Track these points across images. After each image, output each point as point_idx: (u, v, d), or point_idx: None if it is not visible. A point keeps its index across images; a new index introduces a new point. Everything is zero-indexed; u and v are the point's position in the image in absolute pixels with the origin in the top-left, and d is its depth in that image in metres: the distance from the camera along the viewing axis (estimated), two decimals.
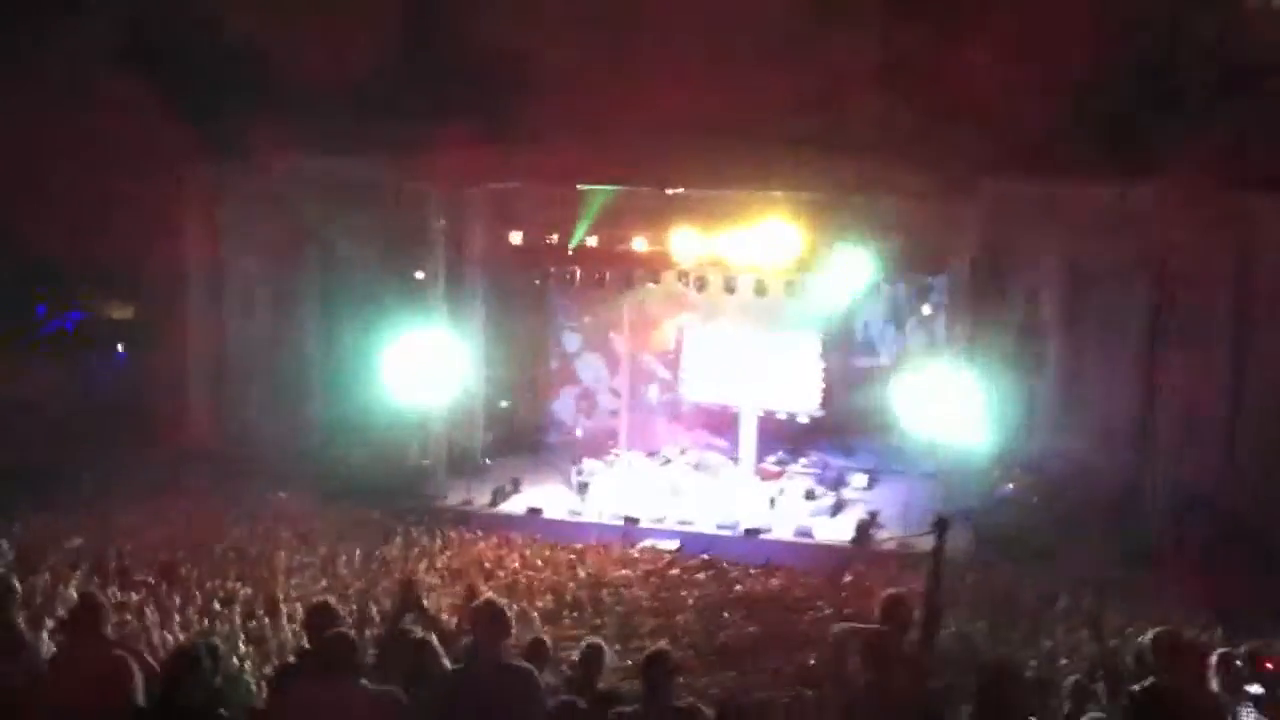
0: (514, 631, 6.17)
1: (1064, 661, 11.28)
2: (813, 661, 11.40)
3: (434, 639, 6.14)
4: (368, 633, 10.09)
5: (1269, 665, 5.80)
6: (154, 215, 20.29)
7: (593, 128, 17.61)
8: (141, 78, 19.27)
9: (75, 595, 12.65)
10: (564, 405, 23.60)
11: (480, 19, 18.38)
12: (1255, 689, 5.63)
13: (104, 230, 20.50)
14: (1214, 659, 5.64)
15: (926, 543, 6.56)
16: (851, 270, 18.83)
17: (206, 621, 12.00)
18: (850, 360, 21.25)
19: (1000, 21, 15.95)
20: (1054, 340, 18.46)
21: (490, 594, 13.48)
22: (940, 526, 6.03)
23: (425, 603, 6.70)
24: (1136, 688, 5.67)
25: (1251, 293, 17.59)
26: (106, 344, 22.40)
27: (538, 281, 21.28)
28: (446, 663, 6.00)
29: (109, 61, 19.55)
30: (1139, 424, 18.04)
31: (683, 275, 20.15)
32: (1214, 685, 5.53)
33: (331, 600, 6.96)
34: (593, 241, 20.04)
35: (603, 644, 7.78)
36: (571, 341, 23.52)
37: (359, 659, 5.82)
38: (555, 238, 20.08)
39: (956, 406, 17.98)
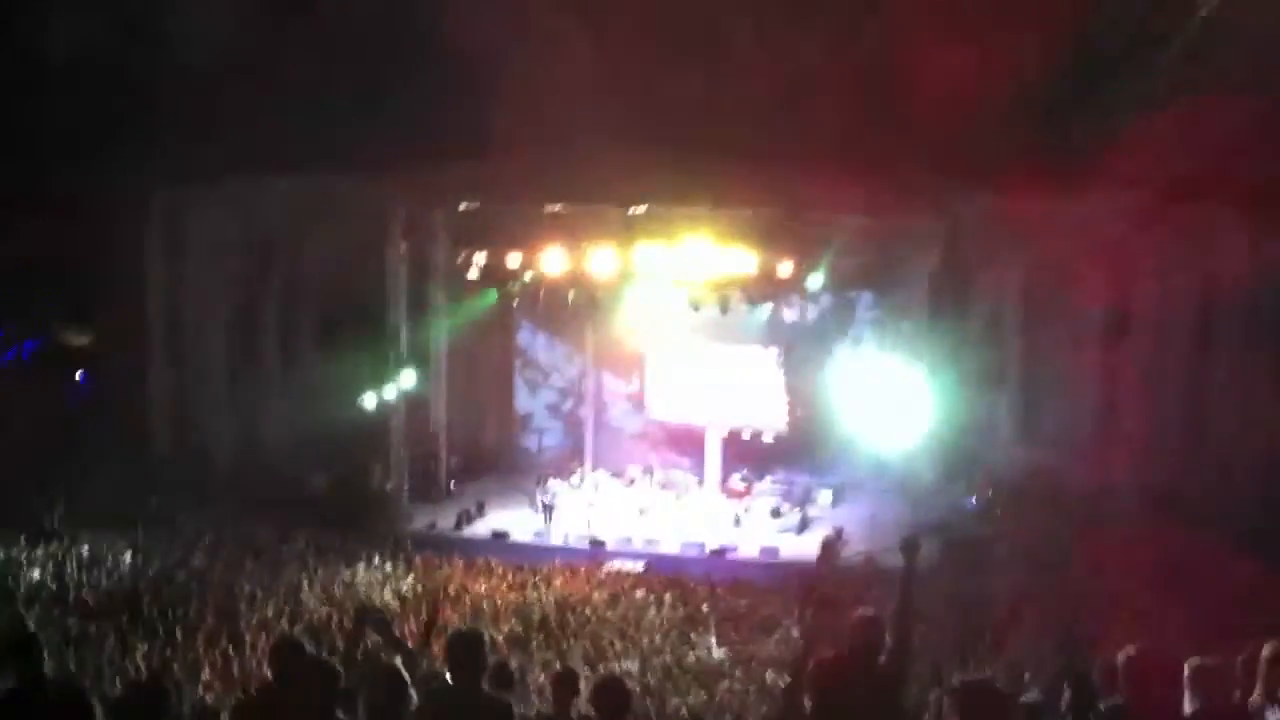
0: (489, 663, 6.06)
1: (1027, 676, 11.31)
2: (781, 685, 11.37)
3: (403, 669, 5.99)
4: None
5: None
6: (112, 236, 20.04)
7: (555, 144, 17.57)
8: (97, 98, 19.06)
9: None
10: (528, 426, 23.48)
11: (446, 36, 18.28)
12: (1275, 714, 5.37)
13: (61, 254, 20.26)
14: (1187, 673, 5.28)
15: (894, 558, 6.52)
16: (810, 284, 19.01)
17: (169, 652, 11.85)
18: (812, 376, 21.27)
19: (963, 39, 16.05)
20: (1014, 351, 18.56)
21: (456, 620, 13.49)
22: (910, 548, 5.94)
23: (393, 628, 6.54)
24: (1102, 707, 5.64)
25: (1210, 300, 17.84)
26: (65, 369, 22.10)
27: (500, 302, 21.16)
28: (414, 693, 5.86)
29: (67, 82, 19.33)
30: (1100, 433, 18.19)
31: (647, 293, 20.13)
32: (1187, 706, 5.22)
33: (298, 633, 6.82)
34: (557, 260, 19.86)
35: (575, 669, 7.71)
36: (534, 361, 23.42)
37: (338, 691, 5.68)
38: (519, 257, 19.94)
39: (917, 419, 18.06)
